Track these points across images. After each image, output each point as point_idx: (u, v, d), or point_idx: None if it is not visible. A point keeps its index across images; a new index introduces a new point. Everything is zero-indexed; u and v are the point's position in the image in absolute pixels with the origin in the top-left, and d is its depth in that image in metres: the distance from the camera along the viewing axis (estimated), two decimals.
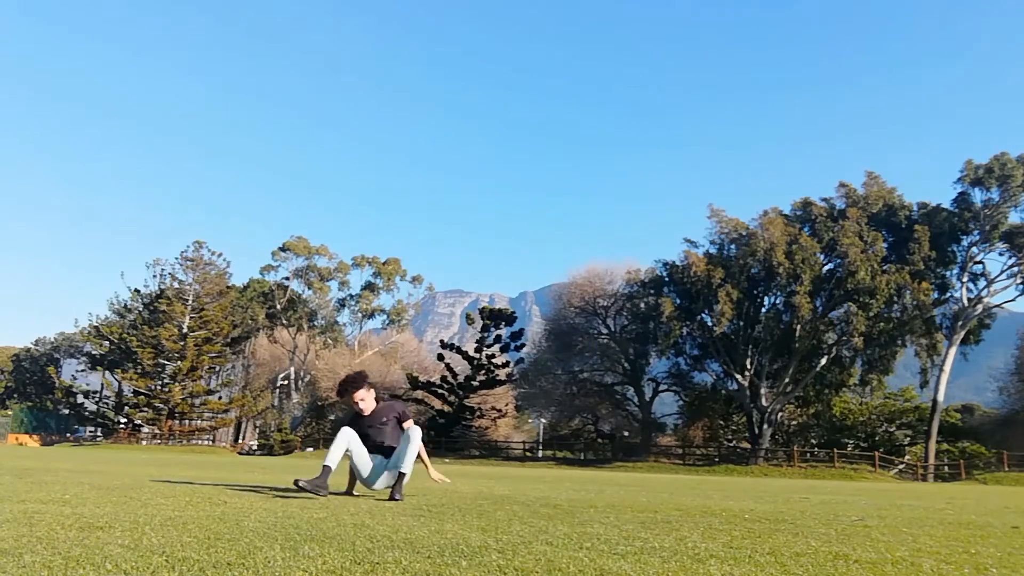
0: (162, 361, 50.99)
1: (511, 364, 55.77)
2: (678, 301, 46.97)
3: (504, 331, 57.21)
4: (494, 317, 57.28)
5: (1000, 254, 45.35)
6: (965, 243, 45.75)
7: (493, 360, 55.56)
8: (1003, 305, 46.64)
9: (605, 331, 54.21)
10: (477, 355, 55.64)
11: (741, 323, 45.51)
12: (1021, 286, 45.31)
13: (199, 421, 53.32)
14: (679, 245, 73.16)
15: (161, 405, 50.11)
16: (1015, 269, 44.79)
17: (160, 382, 51.34)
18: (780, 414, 48.95)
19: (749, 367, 46.41)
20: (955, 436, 53.19)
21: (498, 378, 55.26)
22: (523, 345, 57.24)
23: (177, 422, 51.20)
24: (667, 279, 49.36)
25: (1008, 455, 41.92)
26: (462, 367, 56.70)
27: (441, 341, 61.61)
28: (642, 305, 50.77)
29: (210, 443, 53.66)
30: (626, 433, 55.52)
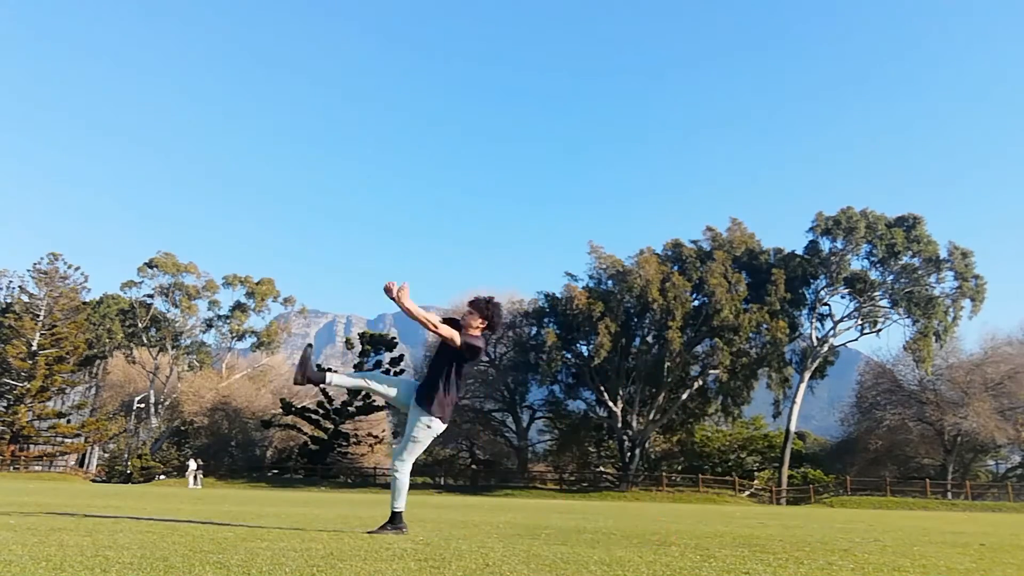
0: (8, 381, 46.56)
1: None
2: (558, 331, 48.53)
3: (384, 356, 56.54)
4: (375, 342, 56.55)
5: (842, 297, 50.30)
6: (814, 287, 50.36)
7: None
8: (846, 344, 51.48)
9: (485, 359, 54.81)
10: None
11: (616, 354, 47.52)
12: (860, 327, 50.38)
13: (46, 446, 48.89)
14: (555, 278, 75.25)
15: (3, 428, 45.68)
16: (855, 312, 49.86)
17: (4, 403, 46.85)
18: (647, 441, 51.29)
19: (622, 395, 48.54)
20: (797, 462, 57.64)
21: (375, 404, 54.43)
22: (403, 371, 56.76)
23: (18, 447, 46.72)
24: (548, 310, 50.95)
25: (851, 480, 46.30)
26: (335, 392, 55.35)
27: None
28: (523, 334, 52.11)
29: (56, 470, 49.28)
30: (505, 460, 56.16)
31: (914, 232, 47.93)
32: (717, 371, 46.54)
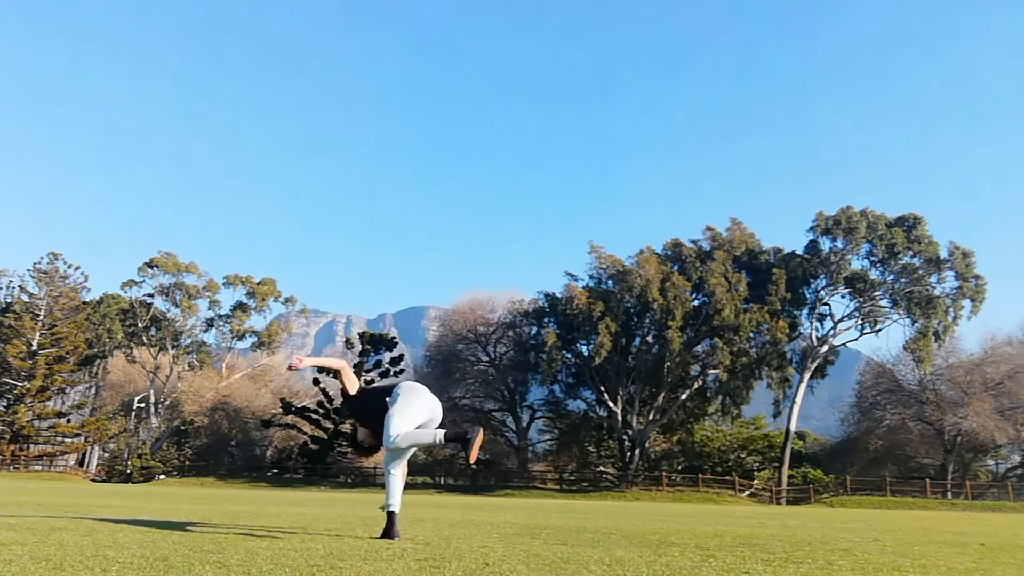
0: (8, 380, 46.62)
1: None
2: (558, 331, 48.55)
3: (384, 356, 56.52)
4: (375, 342, 56.52)
5: (842, 297, 50.30)
6: (814, 287, 50.34)
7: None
8: (847, 344, 51.46)
9: (486, 358, 54.89)
10: None
11: (616, 354, 47.53)
12: (860, 327, 50.38)
13: (46, 446, 48.94)
14: (555, 278, 75.22)
15: (3, 428, 45.72)
16: (855, 312, 49.85)
17: (4, 403, 46.90)
18: (647, 441, 51.29)
19: (621, 395, 48.55)
20: (797, 462, 57.63)
21: None
22: (403, 371, 56.76)
23: (18, 446, 46.75)
24: (548, 310, 50.98)
25: (851, 480, 46.34)
26: (336, 391, 55.40)
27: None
28: (523, 334, 52.19)
29: (56, 469, 49.30)
30: (505, 460, 56.15)
31: (914, 232, 47.93)
32: (717, 371, 46.54)
